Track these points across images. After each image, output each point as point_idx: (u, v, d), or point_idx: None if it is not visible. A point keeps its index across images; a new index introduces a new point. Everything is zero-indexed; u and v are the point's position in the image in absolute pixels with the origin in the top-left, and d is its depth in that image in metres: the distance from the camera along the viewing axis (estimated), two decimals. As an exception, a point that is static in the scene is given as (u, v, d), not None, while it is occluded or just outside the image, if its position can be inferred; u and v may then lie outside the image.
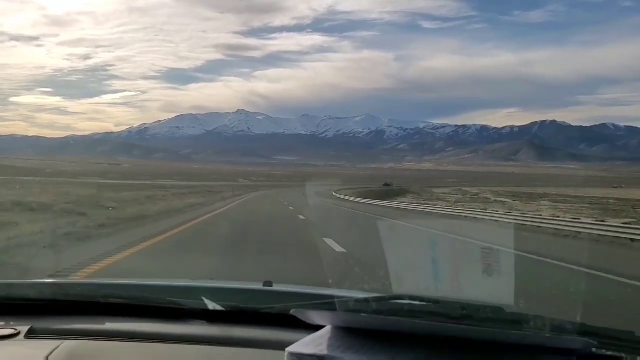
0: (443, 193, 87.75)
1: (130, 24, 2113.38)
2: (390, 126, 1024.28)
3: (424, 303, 1.41)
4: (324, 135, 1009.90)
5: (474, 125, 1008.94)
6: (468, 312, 1.37)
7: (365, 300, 1.45)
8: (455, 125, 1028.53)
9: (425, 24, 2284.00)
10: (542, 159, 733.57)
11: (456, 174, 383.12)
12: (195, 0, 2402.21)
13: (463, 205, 50.31)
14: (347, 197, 55.09)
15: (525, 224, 20.42)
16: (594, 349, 1.28)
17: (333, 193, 65.33)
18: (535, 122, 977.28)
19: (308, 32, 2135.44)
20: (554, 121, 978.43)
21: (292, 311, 1.44)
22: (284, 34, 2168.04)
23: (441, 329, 1.32)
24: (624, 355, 1.27)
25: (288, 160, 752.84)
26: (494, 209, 32.37)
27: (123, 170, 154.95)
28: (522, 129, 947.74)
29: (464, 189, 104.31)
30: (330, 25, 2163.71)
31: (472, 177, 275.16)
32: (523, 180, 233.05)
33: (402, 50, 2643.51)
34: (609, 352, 1.28)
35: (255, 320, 1.61)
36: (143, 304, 1.71)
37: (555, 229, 18.88)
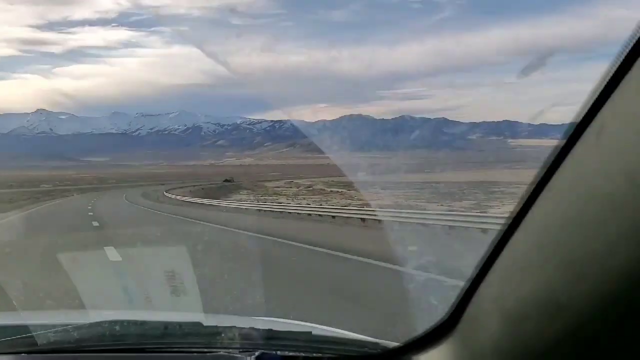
0: (277, 187, 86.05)
1: None
2: (208, 122, 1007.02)
3: (128, 326, 1.45)
4: (137, 133, 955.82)
5: (290, 120, 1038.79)
6: (170, 330, 1.46)
7: (66, 330, 1.43)
8: (272, 120, 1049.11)
9: (235, 21, 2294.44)
10: (353, 151, 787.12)
11: (277, 167, 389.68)
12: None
13: (304, 198, 48.27)
14: (186, 199, 47.51)
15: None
16: (278, 352, 1.37)
17: (165, 194, 58.90)
18: (344, 117, 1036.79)
19: (114, 26, 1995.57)
20: (360, 115, 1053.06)
21: None
22: (87, 28, 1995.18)
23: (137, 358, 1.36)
24: (302, 354, 1.38)
25: (99, 162, 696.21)
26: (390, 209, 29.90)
27: None
28: (333, 123, 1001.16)
29: (295, 181, 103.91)
30: (138, 19, 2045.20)
31: (294, 170, 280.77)
32: (339, 170, 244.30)
33: (214, 46, 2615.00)
34: (290, 354, 1.38)
35: None
36: None
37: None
